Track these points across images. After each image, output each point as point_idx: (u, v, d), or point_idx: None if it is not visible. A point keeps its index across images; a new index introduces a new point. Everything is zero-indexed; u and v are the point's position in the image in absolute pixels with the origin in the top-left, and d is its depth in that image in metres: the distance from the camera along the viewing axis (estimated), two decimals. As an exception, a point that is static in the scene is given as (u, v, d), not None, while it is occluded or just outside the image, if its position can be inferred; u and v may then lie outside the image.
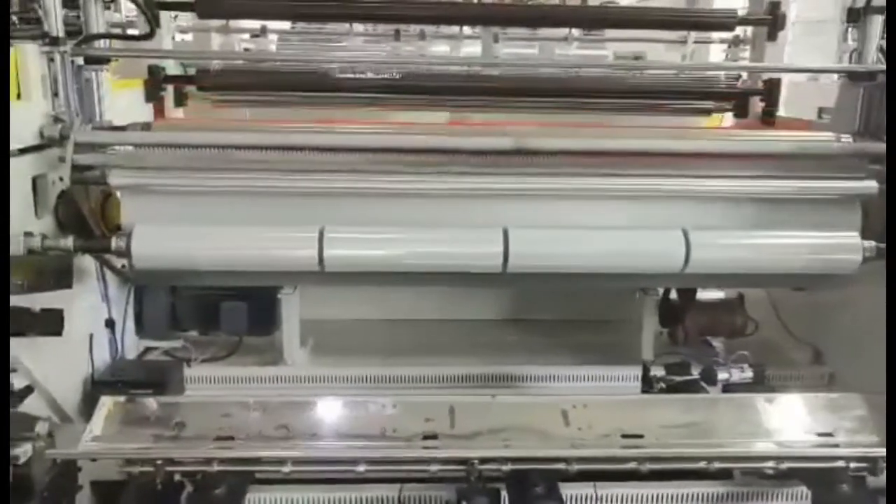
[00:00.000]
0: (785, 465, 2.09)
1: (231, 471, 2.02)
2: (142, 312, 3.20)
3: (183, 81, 3.54)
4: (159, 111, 3.48)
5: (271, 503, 2.19)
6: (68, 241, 2.36)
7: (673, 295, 3.36)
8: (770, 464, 2.09)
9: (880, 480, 2.10)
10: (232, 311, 3.19)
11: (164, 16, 3.40)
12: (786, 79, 3.66)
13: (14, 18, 6.55)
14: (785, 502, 2.28)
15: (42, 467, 1.98)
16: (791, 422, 2.21)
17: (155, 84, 3.36)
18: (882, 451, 2.05)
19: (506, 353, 3.23)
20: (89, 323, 2.77)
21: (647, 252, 2.51)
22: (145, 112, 3.35)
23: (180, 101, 3.66)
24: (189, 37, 5.29)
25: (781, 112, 3.71)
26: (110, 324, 2.87)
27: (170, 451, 1.99)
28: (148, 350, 3.26)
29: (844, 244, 2.53)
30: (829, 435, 2.18)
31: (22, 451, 1.90)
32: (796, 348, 3.30)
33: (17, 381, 2.31)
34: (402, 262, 2.50)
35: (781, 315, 3.35)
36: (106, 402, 2.14)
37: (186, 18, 4.87)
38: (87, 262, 2.70)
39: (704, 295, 3.57)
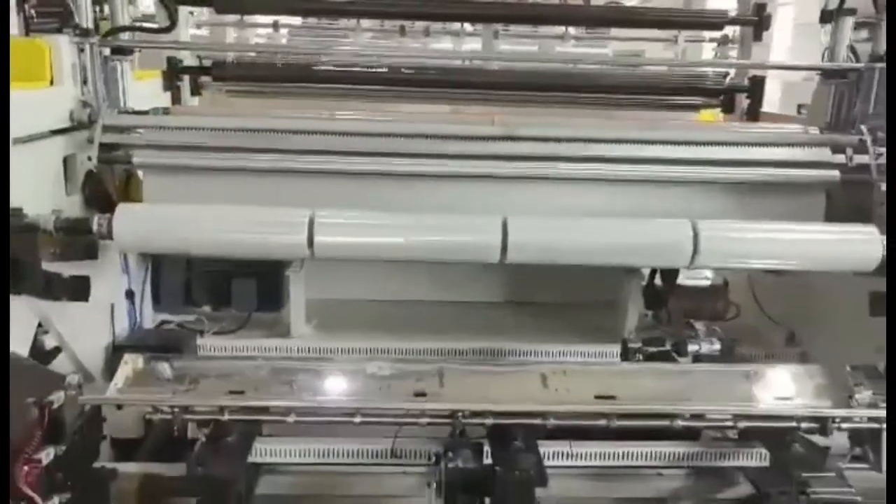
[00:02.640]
0: (742, 424, 2.30)
1: (241, 420, 2.24)
2: (158, 287, 3.44)
3: (199, 73, 3.77)
4: (176, 100, 3.71)
5: (276, 453, 2.40)
6: (48, 220, 2.39)
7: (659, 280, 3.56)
8: (729, 420, 2.29)
9: (830, 441, 2.31)
10: (243, 287, 3.42)
11: (182, 11, 3.63)
12: (784, 78, 3.87)
13: (32, 12, 6.81)
14: (746, 461, 2.46)
15: (73, 413, 2.21)
16: (754, 388, 2.40)
17: (173, 75, 3.59)
18: (832, 412, 2.25)
19: (496, 332, 3.42)
20: (111, 293, 2.99)
21: (653, 244, 2.54)
22: (163, 101, 3.59)
23: (196, 91, 3.89)
24: (205, 31, 5.53)
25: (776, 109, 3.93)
26: (130, 295, 3.09)
27: (187, 399, 2.21)
28: (163, 323, 3.49)
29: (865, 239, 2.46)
30: (788, 399, 2.38)
31: (56, 398, 2.12)
32: (773, 331, 3.49)
33: (47, 342, 2.55)
34: (396, 251, 2.53)
35: (760, 300, 3.54)
36: (129, 359, 2.36)
37: (202, 14, 5.10)
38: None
39: (688, 280, 3.78)
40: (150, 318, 3.41)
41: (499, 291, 3.79)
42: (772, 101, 4.79)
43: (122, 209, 2.40)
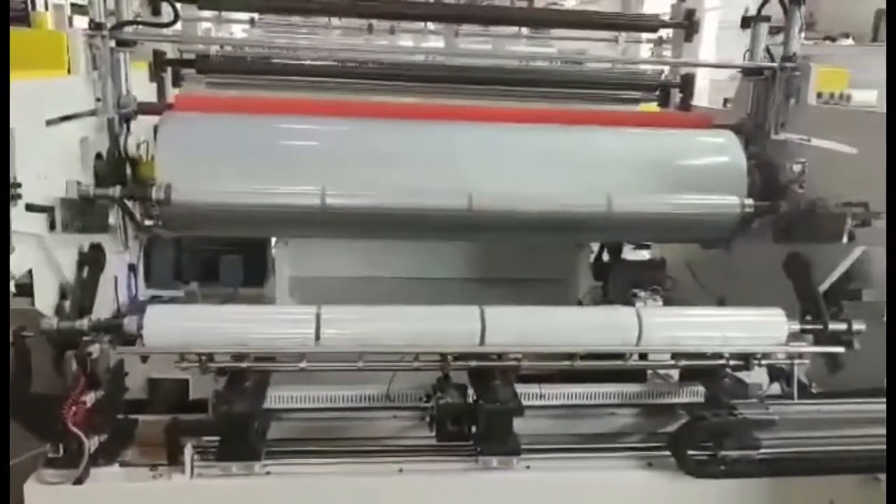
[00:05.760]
0: (683, 363, 2.75)
1: (257, 368, 2.55)
2: (149, 264, 3.69)
3: (184, 65, 4.02)
4: (161, 91, 3.96)
5: (287, 400, 2.69)
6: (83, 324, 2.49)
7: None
8: (669, 358, 2.74)
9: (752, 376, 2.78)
10: (230, 263, 3.71)
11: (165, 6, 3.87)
12: (711, 77, 4.38)
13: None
14: (686, 398, 2.89)
15: (104, 365, 2.49)
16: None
17: (159, 66, 3.84)
18: (753, 348, 2.71)
19: (467, 303, 3.78)
20: (113, 267, 3.24)
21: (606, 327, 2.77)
22: (151, 90, 3.83)
23: (176, 82, 4.14)
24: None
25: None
26: (133, 268, 3.35)
27: (211, 348, 2.51)
28: (154, 298, 3.73)
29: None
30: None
31: (94, 350, 2.41)
32: (705, 298, 3.97)
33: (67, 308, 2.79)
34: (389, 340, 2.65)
35: (696, 273, 4.01)
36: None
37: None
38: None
39: (632, 256, 4.26)
40: (142, 293, 3.65)
41: (468, 269, 4.14)
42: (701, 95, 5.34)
43: (151, 311, 2.55)
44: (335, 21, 6.30)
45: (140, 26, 3.21)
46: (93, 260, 2.76)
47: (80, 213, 2.73)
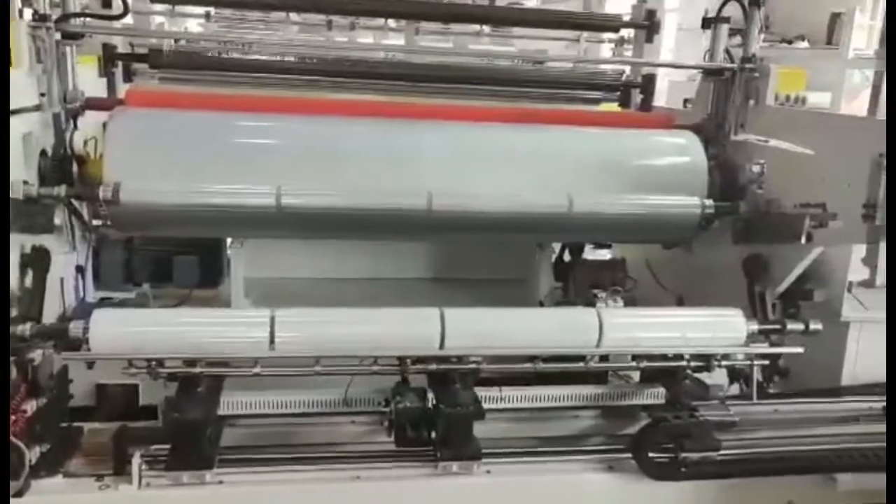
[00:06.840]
0: (644, 364, 2.73)
1: (210, 373, 2.46)
2: (99, 265, 3.56)
3: (135, 60, 3.90)
4: (111, 86, 3.83)
5: (240, 405, 2.59)
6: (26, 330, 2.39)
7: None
8: (631, 360, 2.72)
9: (713, 377, 2.78)
10: (184, 264, 3.59)
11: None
12: (670, 77, 4.39)
13: None
14: (647, 399, 2.88)
15: (47, 372, 2.38)
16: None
17: (109, 61, 3.71)
18: (713, 350, 2.71)
19: (426, 304, 3.74)
20: (60, 268, 3.12)
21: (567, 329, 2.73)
22: (100, 85, 3.71)
23: (128, 77, 4.02)
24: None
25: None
26: (80, 270, 3.22)
27: (160, 353, 2.41)
28: (103, 300, 3.61)
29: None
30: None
31: (36, 356, 2.30)
32: (665, 297, 3.99)
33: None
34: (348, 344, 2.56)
35: (656, 273, 4.02)
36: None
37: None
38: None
39: (593, 256, 4.26)
40: (90, 295, 3.53)
41: (428, 269, 4.11)
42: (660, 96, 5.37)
43: (97, 315, 2.43)
44: (294, 17, 6.22)
45: (88, 18, 3.08)
46: (36, 261, 2.64)
47: (23, 213, 2.62)
